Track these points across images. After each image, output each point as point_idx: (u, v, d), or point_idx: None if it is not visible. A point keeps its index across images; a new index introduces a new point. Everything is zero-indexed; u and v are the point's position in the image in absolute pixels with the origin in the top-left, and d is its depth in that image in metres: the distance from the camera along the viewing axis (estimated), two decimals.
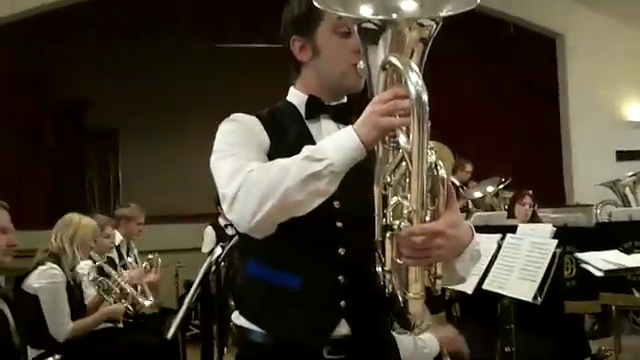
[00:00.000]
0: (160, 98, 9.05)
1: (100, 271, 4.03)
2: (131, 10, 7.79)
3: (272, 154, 1.51)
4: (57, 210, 8.48)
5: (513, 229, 3.62)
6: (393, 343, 1.69)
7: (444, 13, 1.32)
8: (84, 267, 3.95)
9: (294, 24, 1.62)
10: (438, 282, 1.39)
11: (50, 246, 3.75)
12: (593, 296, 3.80)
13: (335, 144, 1.36)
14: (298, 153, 1.41)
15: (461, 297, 3.59)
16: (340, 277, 1.54)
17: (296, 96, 1.66)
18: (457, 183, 7.27)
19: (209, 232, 6.33)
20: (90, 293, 3.98)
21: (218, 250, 2.77)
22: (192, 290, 2.90)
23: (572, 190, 8.79)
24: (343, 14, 1.40)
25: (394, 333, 1.70)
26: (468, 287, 3.30)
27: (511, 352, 3.23)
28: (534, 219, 5.38)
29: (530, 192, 5.59)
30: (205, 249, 6.12)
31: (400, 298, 1.41)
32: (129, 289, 4.03)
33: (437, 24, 1.33)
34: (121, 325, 4.23)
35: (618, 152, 8.72)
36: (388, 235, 1.35)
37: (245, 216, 1.38)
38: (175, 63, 8.77)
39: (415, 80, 1.24)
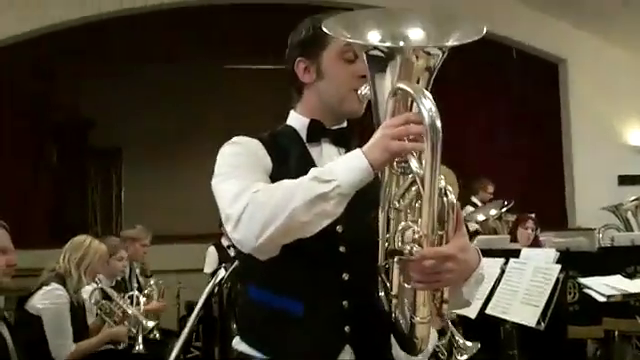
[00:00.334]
0: (163, 118, 9.10)
1: (104, 295, 4.03)
2: (134, 33, 7.86)
3: (275, 177, 1.51)
4: (59, 229, 8.53)
5: (516, 253, 3.62)
6: None
7: (451, 43, 1.35)
8: (88, 290, 3.94)
9: (300, 46, 1.65)
10: (444, 306, 1.40)
11: (57, 266, 3.73)
12: (596, 321, 3.78)
13: (343, 166, 1.37)
14: (300, 177, 1.41)
15: (464, 321, 3.57)
16: (344, 302, 1.53)
17: (297, 120, 1.67)
18: (478, 204, 7.27)
19: (211, 252, 6.32)
20: (93, 315, 3.97)
21: (222, 272, 2.76)
22: (195, 312, 2.88)
23: (574, 214, 8.79)
24: (351, 40, 1.42)
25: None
26: (471, 311, 3.30)
27: None
28: (536, 243, 5.38)
29: (533, 216, 5.60)
30: (207, 270, 6.11)
31: (402, 323, 1.42)
32: (131, 311, 4.02)
33: (443, 53, 1.36)
34: (122, 347, 4.20)
35: (620, 176, 8.74)
36: (396, 259, 1.36)
37: (250, 236, 1.37)
38: (178, 84, 8.83)
39: (429, 106, 1.26)
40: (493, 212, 6.64)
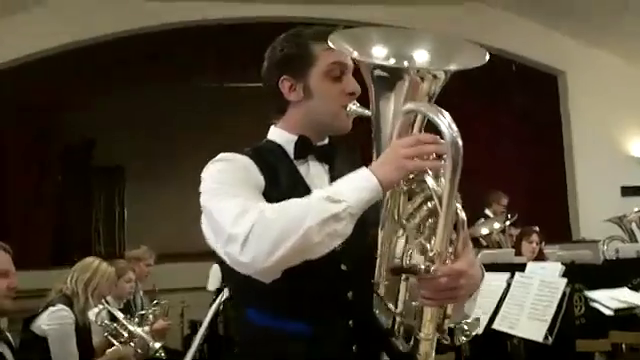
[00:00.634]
0: (165, 137, 9.12)
1: (110, 316, 4.01)
2: (138, 54, 7.91)
3: (267, 195, 1.49)
4: (62, 249, 8.53)
5: (521, 267, 3.61)
6: None
7: (455, 67, 1.38)
8: (94, 311, 3.92)
9: (283, 63, 1.62)
10: (446, 322, 1.42)
11: (64, 287, 3.72)
12: (603, 334, 3.76)
13: (352, 185, 1.35)
14: (292, 194, 1.42)
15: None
16: (350, 322, 1.53)
17: (281, 136, 1.65)
18: (491, 216, 7.30)
19: (215, 270, 6.29)
20: (99, 337, 3.95)
21: (227, 291, 2.74)
22: (200, 331, 2.87)
23: (577, 226, 8.77)
24: (358, 57, 1.43)
25: None
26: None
27: None
28: (540, 256, 5.36)
29: (537, 229, 5.58)
30: (211, 287, 6.08)
31: (399, 340, 1.43)
32: (138, 331, 3.99)
33: (446, 75, 1.38)
34: None
35: (623, 187, 8.72)
36: (403, 277, 1.38)
37: (260, 257, 1.33)
38: (180, 103, 8.86)
39: (449, 124, 1.28)
40: (497, 225, 6.63)
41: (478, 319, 1.67)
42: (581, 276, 3.66)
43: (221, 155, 1.57)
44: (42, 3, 7.46)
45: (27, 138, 8.31)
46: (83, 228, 9.79)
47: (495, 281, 3.45)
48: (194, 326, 6.23)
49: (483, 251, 5.59)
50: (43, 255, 8.08)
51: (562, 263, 3.53)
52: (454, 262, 1.33)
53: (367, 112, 1.52)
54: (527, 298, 3.26)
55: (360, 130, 1.68)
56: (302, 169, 1.61)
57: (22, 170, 8.30)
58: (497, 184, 8.47)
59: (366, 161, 1.46)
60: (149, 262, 5.40)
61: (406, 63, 1.39)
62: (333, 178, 1.56)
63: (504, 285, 3.41)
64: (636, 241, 6.66)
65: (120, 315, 4.06)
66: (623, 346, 4.25)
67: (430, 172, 1.33)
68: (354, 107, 1.58)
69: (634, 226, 6.82)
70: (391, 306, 1.43)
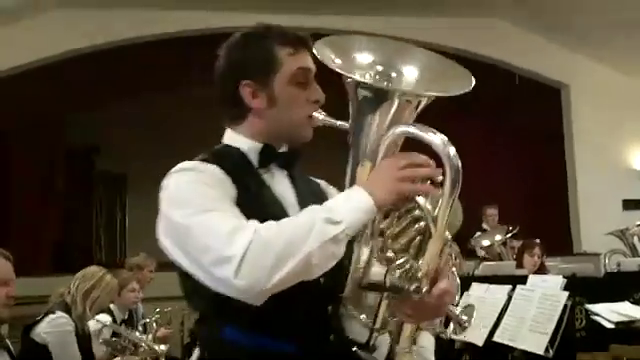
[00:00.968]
0: (168, 144, 9.12)
1: (113, 333, 4.00)
2: (141, 62, 7.95)
3: (239, 207, 1.38)
4: (64, 255, 8.54)
5: (522, 280, 3.60)
6: None
7: (440, 93, 1.38)
8: (96, 323, 3.91)
9: (244, 67, 1.51)
10: (418, 332, 1.46)
11: (65, 292, 3.71)
12: (604, 348, 3.75)
13: (349, 205, 1.32)
14: (263, 206, 1.41)
15: (471, 348, 3.55)
16: (331, 336, 1.49)
17: (243, 142, 1.54)
18: (488, 229, 7.36)
19: None
20: (100, 350, 3.94)
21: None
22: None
23: (579, 238, 8.76)
24: (344, 73, 1.40)
25: None
26: (479, 339, 3.28)
27: None
28: (542, 269, 5.35)
29: (539, 242, 5.58)
30: None
31: (372, 354, 1.46)
32: (143, 342, 3.98)
33: (430, 99, 1.39)
34: None
35: (624, 201, 8.73)
36: (385, 295, 1.40)
37: (258, 280, 1.25)
38: (183, 110, 8.88)
39: (448, 148, 1.29)
40: (498, 237, 6.63)
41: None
42: (582, 289, 3.64)
43: (187, 164, 1.46)
44: (47, 11, 7.51)
45: (30, 145, 8.34)
46: (84, 235, 9.80)
47: (496, 293, 3.45)
48: (194, 335, 6.20)
49: (484, 263, 5.59)
50: (44, 261, 8.09)
51: (563, 276, 3.52)
52: (439, 281, 1.37)
53: (336, 122, 1.48)
54: (528, 311, 3.25)
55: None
56: (266, 177, 1.53)
57: (24, 176, 8.32)
58: (499, 196, 8.48)
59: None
60: (151, 268, 5.40)
61: (391, 85, 1.40)
62: (294, 184, 1.55)
63: (505, 297, 3.41)
64: (638, 255, 6.65)
65: (122, 329, 4.05)
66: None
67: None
68: (321, 116, 1.51)
69: (636, 240, 6.81)
70: (365, 320, 1.44)
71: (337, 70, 1.39)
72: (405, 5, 7.86)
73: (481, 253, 6.78)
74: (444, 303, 1.38)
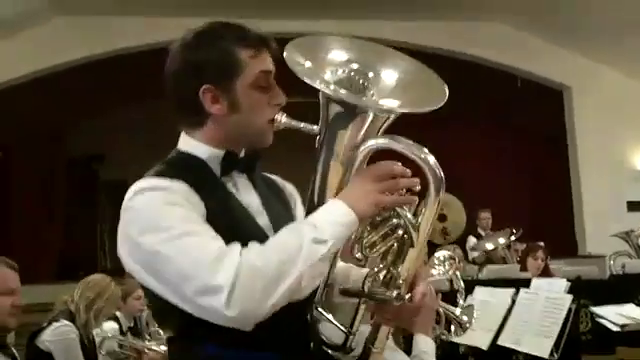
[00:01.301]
0: (170, 152, 9.16)
1: (119, 344, 4.00)
2: (145, 70, 7.97)
3: (209, 221, 1.32)
4: (68, 264, 8.54)
5: (526, 283, 3.59)
6: None
7: (409, 109, 1.37)
8: (100, 333, 3.90)
9: (204, 71, 1.40)
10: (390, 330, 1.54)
11: (69, 300, 3.71)
12: (609, 351, 3.73)
13: (331, 220, 1.29)
14: (232, 218, 1.35)
15: (476, 352, 3.53)
16: (311, 343, 1.49)
17: (202, 150, 1.45)
18: (483, 234, 7.37)
19: None
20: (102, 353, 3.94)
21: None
22: None
23: (584, 241, 8.74)
24: (314, 84, 1.35)
25: None
26: (483, 343, 3.27)
27: None
28: (546, 272, 5.34)
29: (543, 245, 5.56)
30: None
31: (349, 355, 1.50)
32: (145, 349, 3.98)
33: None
34: None
35: (629, 203, 8.71)
36: (363, 300, 1.45)
37: (251, 308, 1.20)
38: None
39: (433, 161, 1.30)
40: (502, 241, 6.62)
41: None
42: (587, 292, 3.63)
43: (148, 183, 1.35)
44: (50, 20, 7.54)
45: (33, 154, 8.36)
46: (89, 242, 9.82)
47: (500, 297, 3.44)
48: None
49: (488, 266, 5.58)
50: (49, 269, 8.10)
51: (568, 279, 3.51)
52: (417, 285, 1.43)
53: (300, 124, 1.44)
54: (533, 314, 3.24)
55: None
56: (229, 186, 1.46)
57: (29, 184, 8.35)
58: (502, 199, 8.47)
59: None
60: None
61: (363, 99, 1.39)
62: (256, 188, 1.50)
63: (509, 301, 3.40)
64: None
65: (126, 339, 4.04)
66: None
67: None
68: (284, 119, 1.44)
69: None
70: (340, 326, 1.47)
71: (306, 80, 1.32)
72: (406, 8, 7.86)
73: (473, 255, 6.80)
74: (425, 305, 1.45)
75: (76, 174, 9.42)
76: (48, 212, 8.69)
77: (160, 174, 1.37)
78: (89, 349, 3.71)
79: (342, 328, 1.47)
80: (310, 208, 1.44)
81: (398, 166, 1.33)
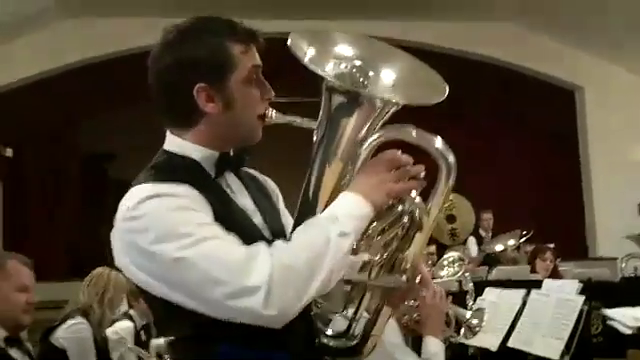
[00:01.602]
0: None
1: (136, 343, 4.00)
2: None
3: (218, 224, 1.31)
4: (78, 261, 8.57)
5: (538, 284, 3.57)
6: None
7: (411, 101, 1.38)
8: (114, 333, 3.91)
9: (196, 69, 1.35)
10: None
11: (79, 300, 3.73)
12: (621, 353, 3.71)
13: (352, 215, 1.32)
14: (234, 221, 1.34)
15: (485, 354, 3.52)
16: (317, 339, 1.53)
17: (195, 151, 1.41)
18: (483, 234, 7.35)
19: None
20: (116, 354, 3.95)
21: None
22: None
23: (594, 243, 8.70)
24: (319, 72, 1.36)
25: None
26: (493, 344, 3.25)
27: None
28: (555, 274, 5.31)
29: (551, 246, 5.54)
30: None
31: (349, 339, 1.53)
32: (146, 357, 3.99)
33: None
34: None
35: None
36: (368, 287, 1.48)
37: (289, 305, 1.23)
38: None
39: (442, 146, 1.34)
40: (511, 242, 6.60)
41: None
42: (598, 294, 3.60)
43: (154, 189, 1.30)
44: (59, 22, 7.58)
45: (44, 153, 8.41)
46: (98, 241, 9.85)
47: (510, 298, 3.42)
48: None
49: (498, 267, 5.56)
50: (59, 267, 8.13)
51: (579, 280, 3.49)
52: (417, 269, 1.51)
53: (294, 119, 1.43)
54: (543, 316, 3.22)
55: None
56: (223, 186, 1.44)
57: (39, 183, 8.39)
58: (513, 199, 8.43)
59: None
60: None
61: (367, 91, 1.40)
62: (246, 187, 1.49)
63: (520, 302, 3.37)
64: None
65: (141, 352, 4.05)
66: None
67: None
68: (275, 115, 1.42)
69: None
70: (345, 314, 1.52)
71: (310, 67, 1.32)
72: (421, 10, 7.85)
73: (471, 254, 6.78)
74: (435, 307, 1.68)
75: (87, 173, 9.46)
76: (59, 210, 8.73)
77: (160, 179, 1.32)
78: (102, 348, 3.72)
79: (347, 315, 1.50)
80: (304, 202, 1.43)
81: (402, 155, 1.36)
